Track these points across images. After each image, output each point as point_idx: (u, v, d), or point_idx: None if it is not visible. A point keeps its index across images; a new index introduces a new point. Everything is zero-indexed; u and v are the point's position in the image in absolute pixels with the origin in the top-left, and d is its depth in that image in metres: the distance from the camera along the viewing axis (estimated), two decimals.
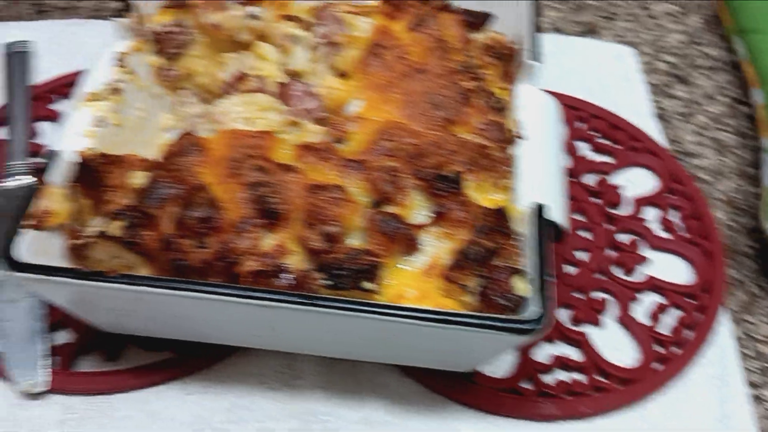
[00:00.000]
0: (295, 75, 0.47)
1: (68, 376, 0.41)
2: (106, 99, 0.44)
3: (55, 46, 0.57)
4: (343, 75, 0.45)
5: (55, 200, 0.38)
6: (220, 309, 0.36)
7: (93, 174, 0.38)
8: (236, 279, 0.36)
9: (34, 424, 0.40)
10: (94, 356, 0.42)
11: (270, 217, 0.37)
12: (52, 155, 0.39)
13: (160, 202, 0.37)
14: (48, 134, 0.52)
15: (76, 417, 0.40)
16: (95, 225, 0.38)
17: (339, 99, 0.44)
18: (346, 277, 0.35)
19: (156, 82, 0.48)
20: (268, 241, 0.36)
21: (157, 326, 0.40)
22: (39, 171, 0.39)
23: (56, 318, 0.43)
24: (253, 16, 0.46)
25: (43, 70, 0.55)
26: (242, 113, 0.42)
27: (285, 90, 0.44)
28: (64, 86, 0.54)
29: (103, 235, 0.37)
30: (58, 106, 0.53)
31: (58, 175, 0.39)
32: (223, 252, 0.36)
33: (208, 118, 0.43)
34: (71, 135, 0.41)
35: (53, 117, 0.53)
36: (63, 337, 0.43)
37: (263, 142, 0.40)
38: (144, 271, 0.37)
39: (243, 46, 0.48)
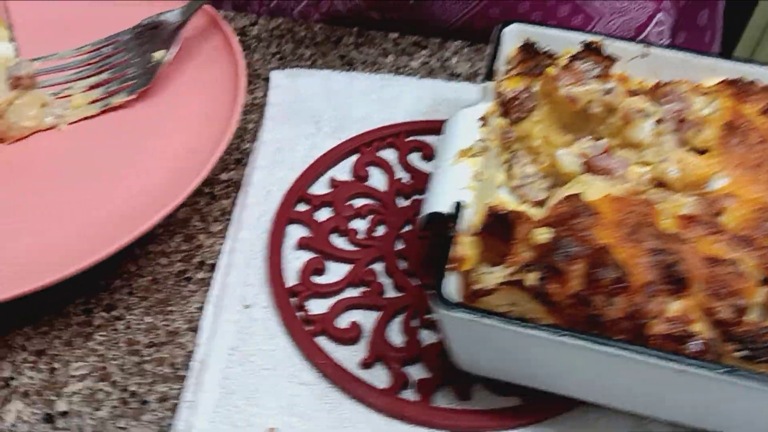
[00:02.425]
0: (635, 146, 0.49)
1: (429, 410, 0.43)
2: (477, 155, 0.47)
3: (376, 95, 0.61)
4: (693, 151, 0.48)
5: (466, 248, 0.41)
6: (613, 365, 0.38)
7: (504, 226, 0.41)
8: (642, 339, 0.38)
9: None
10: (446, 393, 0.45)
11: (674, 283, 0.38)
12: (458, 206, 0.43)
13: (567, 259, 0.39)
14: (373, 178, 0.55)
15: None
16: (496, 273, 0.41)
17: (700, 174, 0.46)
18: (762, 350, 0.36)
19: (495, 142, 0.51)
20: (673, 307, 0.38)
21: (528, 374, 0.42)
22: (451, 218, 0.42)
23: (412, 353, 0.46)
24: (608, 91, 0.49)
25: (360, 118, 0.59)
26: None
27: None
28: (388, 137, 0.57)
29: (512, 284, 0.39)
30: (385, 154, 0.57)
31: (463, 224, 0.42)
32: (633, 312, 0.38)
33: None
34: (452, 188, 0.45)
35: (378, 163, 0.56)
36: (417, 371, 0.45)
37: (647, 209, 0.42)
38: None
39: (583, 116, 0.51)
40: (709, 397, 0.38)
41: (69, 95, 0.56)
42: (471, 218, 0.43)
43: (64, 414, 0.44)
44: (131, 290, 0.49)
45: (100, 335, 0.47)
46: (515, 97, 0.51)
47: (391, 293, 0.49)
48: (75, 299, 0.49)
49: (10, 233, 0.49)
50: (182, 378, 0.45)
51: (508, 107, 0.51)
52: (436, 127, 0.58)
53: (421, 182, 0.55)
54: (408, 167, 0.56)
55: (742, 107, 0.48)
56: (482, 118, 0.49)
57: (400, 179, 0.55)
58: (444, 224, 0.44)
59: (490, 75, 0.50)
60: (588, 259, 0.39)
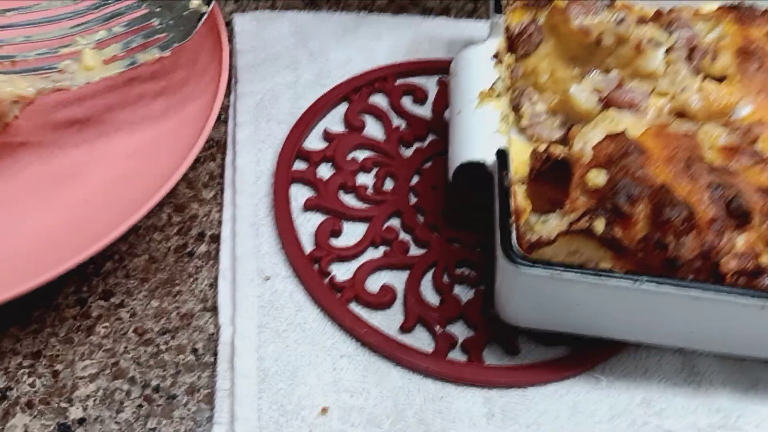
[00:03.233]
0: (647, 76, 0.48)
1: (484, 369, 0.41)
2: (500, 96, 0.44)
3: (351, 36, 0.56)
4: (710, 78, 0.47)
5: (519, 197, 0.38)
6: (684, 306, 0.37)
7: (558, 171, 0.38)
8: (715, 277, 0.37)
9: (462, 416, 0.40)
10: (494, 350, 0.43)
11: (738, 217, 0.38)
12: (503, 153, 0.40)
13: (630, 200, 0.38)
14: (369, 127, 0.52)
15: (499, 410, 0.41)
16: (552, 222, 0.39)
17: (724, 104, 0.45)
18: None
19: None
20: (740, 242, 0.38)
21: (584, 322, 0.40)
22: (502, 168, 0.39)
23: (452, 311, 0.43)
24: (620, 21, 0.47)
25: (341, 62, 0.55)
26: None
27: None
28: (375, 81, 0.53)
29: (576, 232, 0.37)
30: (376, 100, 0.53)
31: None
32: (706, 251, 0.37)
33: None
34: (484, 134, 0.42)
35: (371, 111, 0.52)
36: (459, 329, 0.43)
37: (693, 143, 0.41)
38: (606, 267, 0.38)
39: (591, 48, 0.49)
40: None
41: (72, 53, 0.46)
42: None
43: (81, 421, 0.39)
44: (127, 272, 0.44)
45: (103, 327, 0.42)
46: (523, 30, 0.48)
47: (414, 250, 0.46)
48: (63, 289, 0.43)
49: None
50: (209, 365, 0.41)
51: (515, 42, 0.48)
52: (423, 68, 0.55)
53: (419, 128, 0.51)
54: (402, 113, 0.52)
55: (749, 32, 0.48)
56: (496, 56, 0.46)
57: (398, 127, 0.51)
58: (476, 173, 0.42)
59: (499, 7, 0.47)
60: (650, 199, 0.38)
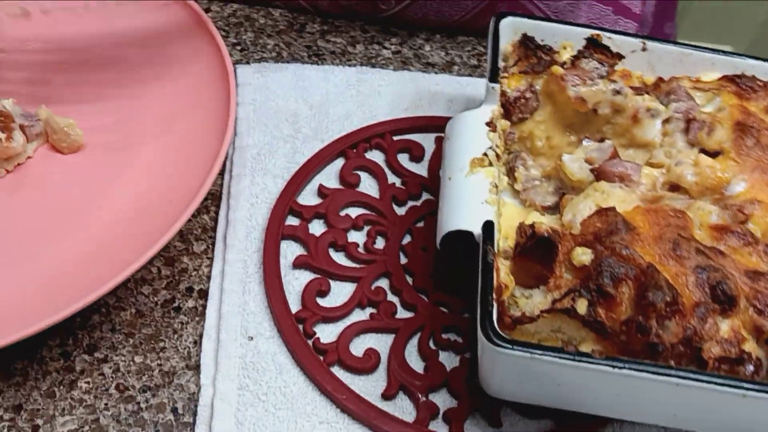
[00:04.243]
0: (643, 146, 0.48)
1: None
2: (491, 165, 0.44)
3: (353, 90, 0.56)
4: (706, 152, 0.47)
5: (503, 273, 0.38)
6: (665, 390, 0.36)
7: (547, 248, 0.38)
8: (697, 363, 0.36)
9: None
10: (477, 421, 0.42)
11: (724, 302, 0.37)
12: (487, 227, 0.40)
13: (614, 281, 0.37)
14: (364, 184, 0.52)
15: None
16: (535, 298, 0.38)
17: (719, 179, 0.45)
18: None
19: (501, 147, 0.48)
20: (724, 327, 0.37)
21: (569, 399, 0.40)
22: (486, 242, 0.39)
23: (435, 380, 0.43)
24: (617, 92, 0.47)
25: (340, 117, 0.55)
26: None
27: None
28: (373, 138, 0.54)
29: (559, 310, 0.37)
30: (373, 156, 0.53)
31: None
32: (690, 336, 0.36)
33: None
34: (473, 203, 0.42)
35: (367, 167, 0.52)
36: (442, 398, 0.43)
37: (683, 222, 0.41)
38: (585, 348, 0.37)
39: (587, 116, 0.49)
40: (756, 413, 0.38)
41: None
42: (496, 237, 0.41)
43: None
44: (113, 326, 0.44)
45: (85, 382, 0.42)
46: (520, 96, 0.48)
47: (402, 313, 0.46)
48: (48, 341, 0.43)
49: None
50: (188, 425, 0.41)
51: (511, 107, 0.48)
52: (421, 125, 0.55)
53: (414, 186, 0.51)
54: (398, 170, 0.52)
55: (747, 105, 0.48)
56: (489, 123, 0.46)
57: (393, 184, 0.52)
58: (462, 241, 0.42)
59: (495, 76, 0.47)
60: (635, 280, 0.37)
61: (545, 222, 0.44)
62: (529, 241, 0.39)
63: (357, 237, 0.49)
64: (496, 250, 0.40)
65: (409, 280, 0.47)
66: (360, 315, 0.46)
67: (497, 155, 0.45)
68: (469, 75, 0.60)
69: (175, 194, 0.45)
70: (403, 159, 0.53)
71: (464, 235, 0.41)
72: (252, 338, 0.43)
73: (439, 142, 0.54)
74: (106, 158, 0.48)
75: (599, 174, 0.46)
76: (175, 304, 0.45)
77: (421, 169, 0.53)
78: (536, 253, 0.38)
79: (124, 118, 0.49)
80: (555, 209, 0.47)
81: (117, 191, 0.47)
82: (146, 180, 0.48)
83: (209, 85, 0.49)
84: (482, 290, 0.37)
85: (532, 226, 0.40)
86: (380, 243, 0.49)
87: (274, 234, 0.48)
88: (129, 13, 0.52)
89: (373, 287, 0.46)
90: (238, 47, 0.59)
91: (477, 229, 0.41)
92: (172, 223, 0.42)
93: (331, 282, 0.46)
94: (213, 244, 0.48)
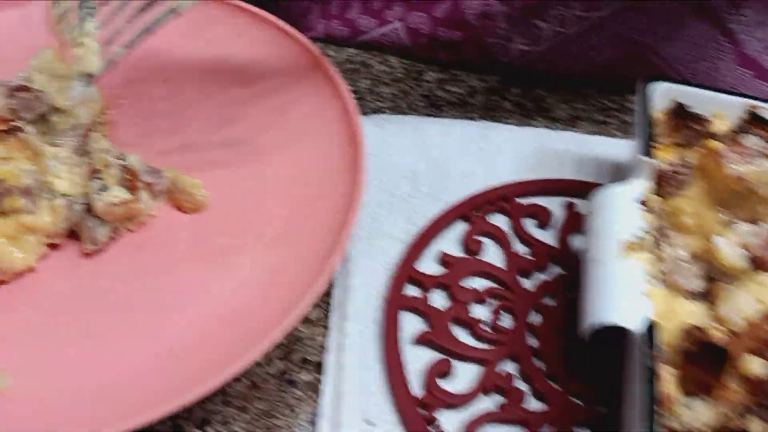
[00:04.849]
0: None
1: None
2: (646, 251, 0.40)
3: (475, 147, 0.53)
4: None
5: (667, 381, 0.34)
6: None
7: (716, 356, 0.34)
8: None
9: None
10: None
11: None
12: (651, 328, 0.36)
13: None
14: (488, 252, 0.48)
15: None
16: (698, 410, 0.34)
17: None
18: None
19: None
20: None
21: None
22: (649, 344, 0.35)
23: None
24: None
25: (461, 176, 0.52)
26: None
27: None
28: (497, 201, 0.50)
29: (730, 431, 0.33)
30: (496, 221, 0.50)
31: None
32: None
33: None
34: (627, 293, 0.38)
35: (491, 233, 0.49)
36: None
37: None
38: None
39: (742, 195, 0.44)
40: None
41: None
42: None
43: None
44: (226, 398, 0.42)
45: None
46: (673, 170, 0.44)
47: (531, 403, 0.42)
48: None
49: (89, 364, 0.40)
50: None
51: (660, 181, 0.44)
52: (548, 188, 0.52)
53: (542, 257, 0.48)
54: (524, 237, 0.49)
55: None
56: (643, 201, 0.42)
57: (518, 252, 0.48)
58: (612, 335, 0.38)
59: (648, 148, 0.43)
60: None
61: (696, 311, 0.40)
62: (694, 348, 0.35)
63: (480, 312, 0.45)
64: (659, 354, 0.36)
65: (539, 364, 0.43)
66: (485, 401, 0.42)
67: (656, 241, 0.41)
68: (598, 133, 0.56)
69: (307, 256, 0.42)
70: (529, 225, 0.50)
71: (617, 330, 0.37)
72: (372, 424, 0.40)
73: (569, 208, 0.50)
74: (230, 219, 0.45)
75: (758, 263, 0.41)
76: (290, 377, 0.43)
77: (548, 237, 0.49)
78: (702, 360, 0.34)
79: (248, 176, 0.47)
80: (703, 296, 0.42)
81: (246, 254, 0.44)
82: (276, 244, 0.45)
83: (338, 145, 0.46)
84: (643, 403, 0.33)
85: (700, 329, 0.36)
86: (505, 319, 0.45)
87: (394, 305, 0.45)
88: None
89: (498, 370, 0.43)
90: (355, 95, 0.57)
91: (633, 325, 0.37)
92: (307, 286, 0.39)
93: (452, 361, 0.43)
94: (328, 311, 0.45)
